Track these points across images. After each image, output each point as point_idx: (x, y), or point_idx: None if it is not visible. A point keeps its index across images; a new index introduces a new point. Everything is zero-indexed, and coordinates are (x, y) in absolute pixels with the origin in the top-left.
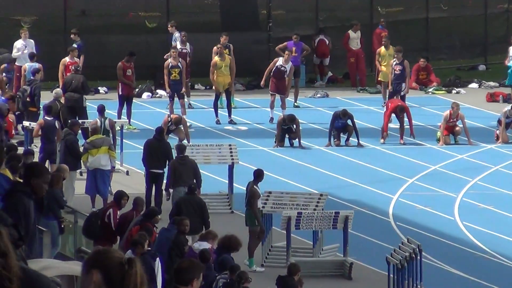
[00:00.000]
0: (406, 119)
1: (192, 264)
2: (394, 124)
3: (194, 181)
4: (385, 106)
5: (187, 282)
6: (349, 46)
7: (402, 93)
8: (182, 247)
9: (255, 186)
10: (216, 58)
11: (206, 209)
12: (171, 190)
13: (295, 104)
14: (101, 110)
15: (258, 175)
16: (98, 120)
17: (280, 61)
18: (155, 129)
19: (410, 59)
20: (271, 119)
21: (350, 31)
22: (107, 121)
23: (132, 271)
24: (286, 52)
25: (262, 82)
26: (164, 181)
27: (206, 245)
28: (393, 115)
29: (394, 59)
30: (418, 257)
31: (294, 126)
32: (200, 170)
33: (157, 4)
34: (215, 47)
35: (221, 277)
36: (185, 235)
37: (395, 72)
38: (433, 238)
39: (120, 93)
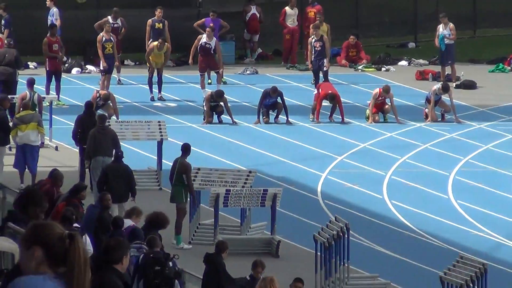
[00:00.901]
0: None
1: (119, 242)
2: (324, 102)
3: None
4: (316, 90)
5: (117, 260)
6: (285, 23)
7: (324, 69)
8: (106, 223)
9: (186, 160)
10: (155, 48)
11: (133, 177)
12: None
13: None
14: (30, 83)
15: (186, 149)
16: (28, 93)
17: (204, 38)
18: (84, 104)
19: (340, 36)
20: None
21: (287, 8)
22: (35, 95)
23: (74, 245)
24: (208, 28)
25: (190, 61)
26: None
27: (129, 222)
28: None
29: (313, 36)
30: (346, 236)
31: (222, 102)
32: (129, 146)
33: None
34: (149, 20)
35: (133, 245)
36: (108, 210)
37: (316, 48)
38: (361, 216)
39: (47, 68)
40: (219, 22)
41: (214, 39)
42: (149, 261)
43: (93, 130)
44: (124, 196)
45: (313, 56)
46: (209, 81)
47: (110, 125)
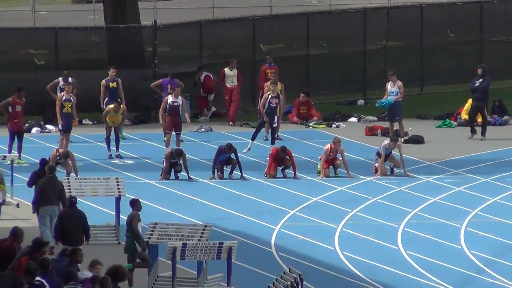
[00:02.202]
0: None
1: None
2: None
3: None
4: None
5: None
6: (225, 83)
7: (274, 125)
8: (75, 277)
9: (134, 211)
10: (111, 110)
11: (87, 221)
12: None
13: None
14: None
15: (132, 203)
16: None
17: (170, 98)
18: (39, 161)
19: (291, 94)
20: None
21: (226, 69)
22: None
23: None
24: (176, 89)
25: (161, 122)
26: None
27: (88, 274)
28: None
29: (269, 93)
30: (300, 287)
31: (181, 160)
32: (88, 203)
33: (46, 42)
34: (103, 80)
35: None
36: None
37: (271, 105)
38: (314, 267)
39: (10, 128)
40: (176, 82)
41: (180, 97)
42: None
43: (42, 180)
44: (80, 239)
45: (264, 111)
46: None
47: (69, 182)
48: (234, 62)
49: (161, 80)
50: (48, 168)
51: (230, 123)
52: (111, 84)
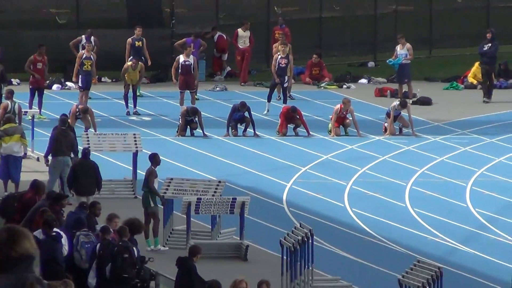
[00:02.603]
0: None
1: None
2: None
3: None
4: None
5: None
6: (237, 43)
7: (285, 85)
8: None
9: (152, 167)
10: (130, 67)
11: (99, 171)
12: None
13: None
14: (10, 94)
15: (151, 158)
16: (9, 104)
17: (181, 58)
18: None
19: (304, 55)
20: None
21: (239, 29)
22: (16, 105)
23: None
24: (188, 48)
25: (174, 81)
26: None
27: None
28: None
29: (279, 53)
30: (310, 241)
31: (196, 118)
32: (106, 157)
33: (67, 1)
34: (129, 39)
35: (81, 233)
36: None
37: (280, 65)
38: (324, 223)
39: (31, 85)
40: (199, 42)
41: (192, 57)
42: (120, 248)
43: (55, 132)
44: (93, 189)
45: (276, 72)
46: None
47: (88, 137)
48: (248, 24)
49: (184, 39)
50: (60, 120)
51: (242, 83)
52: (136, 43)
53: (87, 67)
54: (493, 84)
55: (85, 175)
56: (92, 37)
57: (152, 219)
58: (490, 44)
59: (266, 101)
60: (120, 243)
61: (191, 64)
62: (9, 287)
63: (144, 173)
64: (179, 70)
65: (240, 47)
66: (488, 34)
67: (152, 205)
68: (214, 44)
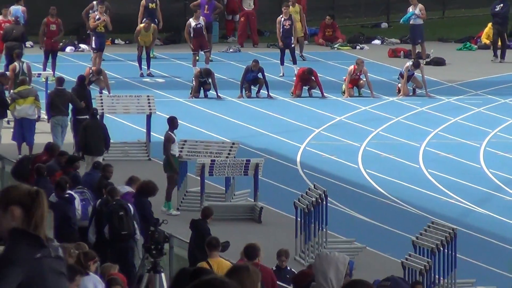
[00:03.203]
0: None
1: None
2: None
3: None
4: (296, 70)
5: None
6: (242, 5)
7: (292, 46)
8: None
9: (169, 132)
10: (142, 29)
11: (107, 132)
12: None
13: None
14: (18, 55)
15: (169, 121)
16: (17, 65)
17: (192, 22)
18: (77, 78)
19: (317, 16)
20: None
21: None
22: (24, 65)
23: (40, 199)
24: (198, 10)
25: (191, 47)
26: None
27: (128, 188)
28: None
29: (281, 16)
30: (324, 202)
31: (210, 79)
32: (120, 120)
33: None
34: (143, 0)
35: (76, 191)
36: (108, 179)
37: (285, 27)
38: (338, 184)
39: (44, 47)
40: (214, 4)
41: (201, 18)
42: (114, 207)
43: (51, 91)
44: (102, 149)
45: (281, 35)
46: (197, 58)
47: (102, 99)
48: None
49: (199, 0)
50: (56, 79)
51: (255, 45)
52: (150, 5)
53: (100, 28)
54: (506, 44)
55: (94, 135)
56: (105, 2)
57: (167, 182)
58: (502, 5)
59: (280, 64)
60: (114, 202)
61: (202, 26)
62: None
63: (163, 137)
64: (191, 34)
65: (245, 8)
66: None
67: (172, 169)
68: (224, 6)
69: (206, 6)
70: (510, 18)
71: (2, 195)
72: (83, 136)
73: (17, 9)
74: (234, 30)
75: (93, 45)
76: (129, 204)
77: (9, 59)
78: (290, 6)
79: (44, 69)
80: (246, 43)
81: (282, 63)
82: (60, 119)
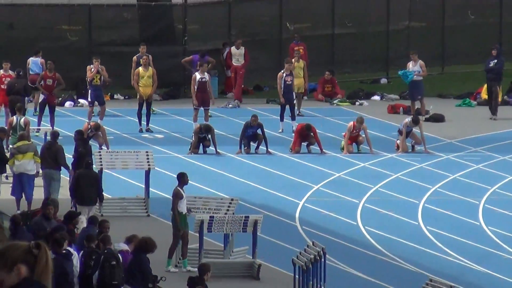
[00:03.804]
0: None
1: None
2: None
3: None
4: (294, 126)
5: None
6: (231, 61)
7: (295, 102)
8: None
9: (178, 188)
10: (140, 69)
11: (101, 182)
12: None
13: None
14: (18, 109)
15: (179, 177)
16: (15, 118)
17: (197, 75)
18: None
19: (316, 72)
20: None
21: (232, 47)
22: (22, 119)
23: (42, 252)
24: (204, 64)
25: (194, 101)
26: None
27: (124, 246)
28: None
29: (283, 71)
30: (322, 260)
31: (209, 135)
32: (119, 175)
33: (80, 19)
34: (134, 57)
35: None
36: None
37: (287, 82)
38: (336, 241)
39: (40, 100)
40: (206, 58)
41: (206, 73)
42: (106, 256)
43: (43, 145)
44: (94, 199)
45: (282, 91)
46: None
47: (101, 154)
48: (240, 41)
49: (192, 56)
50: (51, 133)
51: (236, 101)
52: (141, 61)
53: (96, 81)
54: (498, 100)
55: (88, 185)
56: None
57: (173, 239)
58: (496, 60)
59: (279, 120)
60: (105, 251)
61: (207, 80)
62: None
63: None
64: (196, 88)
65: (234, 64)
66: (493, 51)
67: (178, 226)
68: (224, 62)
69: (198, 63)
70: (507, 75)
71: (3, 256)
72: (76, 186)
73: (35, 61)
74: (233, 87)
75: (89, 98)
76: (119, 256)
77: (13, 113)
78: (295, 62)
79: (39, 123)
80: (245, 99)
81: (281, 119)
82: (47, 172)
